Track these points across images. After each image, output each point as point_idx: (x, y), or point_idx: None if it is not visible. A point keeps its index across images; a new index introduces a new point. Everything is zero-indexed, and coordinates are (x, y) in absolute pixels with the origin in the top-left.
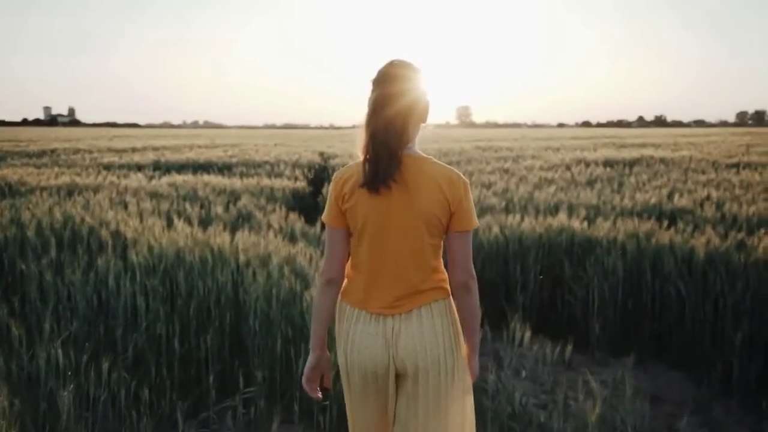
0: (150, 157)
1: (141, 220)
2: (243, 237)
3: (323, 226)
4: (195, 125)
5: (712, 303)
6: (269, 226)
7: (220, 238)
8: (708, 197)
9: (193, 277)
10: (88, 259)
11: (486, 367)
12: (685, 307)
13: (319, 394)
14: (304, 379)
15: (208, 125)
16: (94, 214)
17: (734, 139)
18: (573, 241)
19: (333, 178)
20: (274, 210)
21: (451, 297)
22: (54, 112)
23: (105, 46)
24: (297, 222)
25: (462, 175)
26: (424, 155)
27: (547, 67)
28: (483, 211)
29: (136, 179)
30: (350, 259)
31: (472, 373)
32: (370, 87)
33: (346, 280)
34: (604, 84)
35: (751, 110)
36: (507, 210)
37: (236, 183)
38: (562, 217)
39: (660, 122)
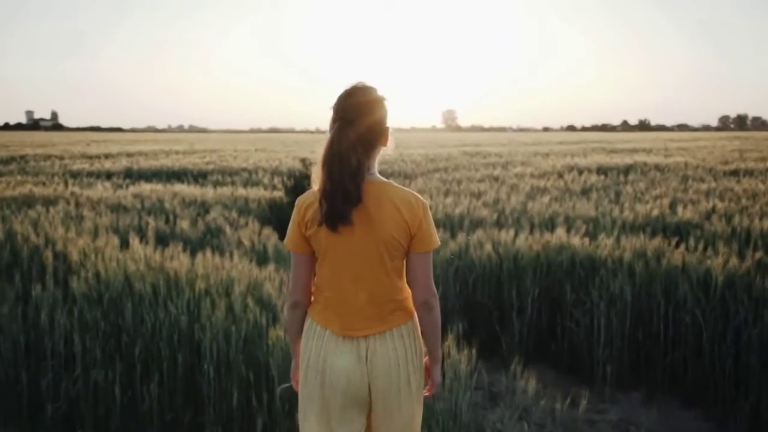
0: (123, 163)
1: (94, 239)
2: (204, 259)
3: None
4: (180, 129)
5: (733, 333)
6: (239, 243)
7: (177, 260)
8: (714, 209)
9: (142, 310)
10: (23, 288)
11: (478, 403)
12: (702, 337)
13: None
14: (293, 381)
15: (193, 129)
16: (42, 231)
17: (724, 144)
18: (574, 261)
19: (296, 202)
20: (246, 224)
21: (415, 316)
22: (37, 116)
23: (89, 50)
24: (271, 237)
25: (420, 197)
26: (384, 180)
27: (532, 71)
28: (474, 224)
29: (100, 189)
30: (316, 278)
31: (434, 384)
32: (330, 114)
33: (313, 302)
34: (589, 88)
35: (733, 114)
36: (499, 224)
37: (209, 193)
38: (561, 232)
39: (644, 126)
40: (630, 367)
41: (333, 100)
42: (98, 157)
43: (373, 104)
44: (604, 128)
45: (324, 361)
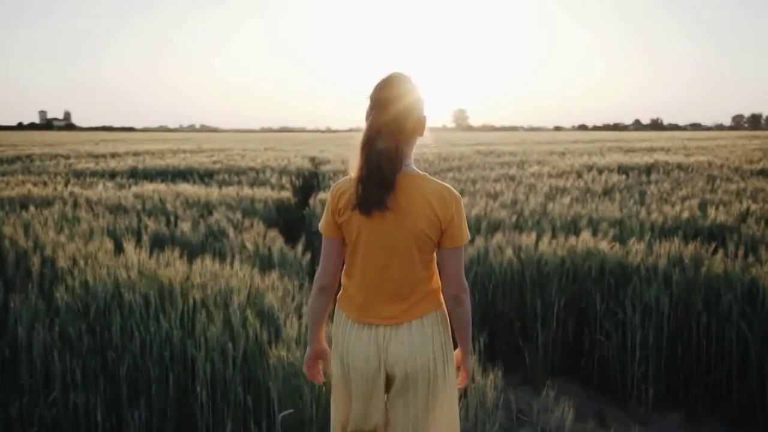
0: (129, 163)
1: (86, 243)
2: (202, 266)
3: (307, 246)
4: (191, 129)
5: None
6: (242, 247)
7: (172, 268)
8: (748, 211)
9: (132, 323)
10: (4, 298)
11: (501, 424)
12: (749, 353)
13: (321, 378)
14: (305, 367)
15: (204, 129)
16: (32, 234)
17: (744, 143)
18: (603, 268)
19: (331, 189)
20: (251, 225)
21: (442, 306)
22: (50, 116)
23: (102, 50)
24: (276, 241)
25: (454, 191)
26: (419, 172)
27: (543, 70)
28: (492, 227)
29: (101, 189)
30: (345, 267)
31: (465, 374)
32: (367, 103)
33: (342, 288)
34: (600, 87)
35: (747, 113)
36: (518, 226)
37: (213, 193)
38: (586, 236)
39: (656, 125)
40: (667, 385)
41: (345, 99)
42: (104, 156)
43: (409, 93)
44: (616, 127)
45: (345, 348)
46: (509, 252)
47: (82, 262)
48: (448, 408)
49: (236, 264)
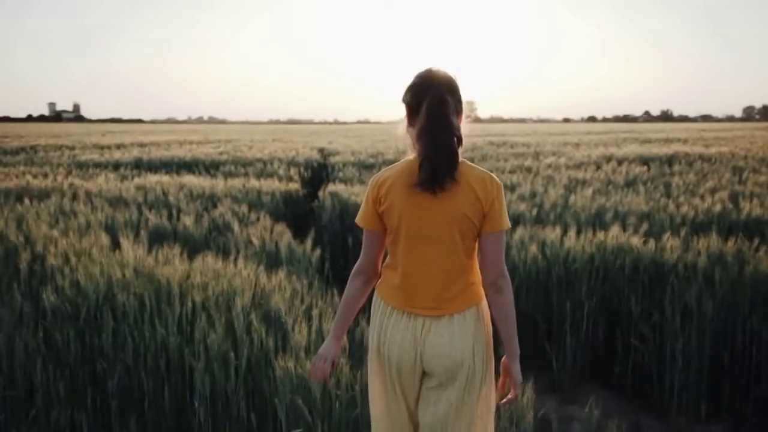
0: (134, 154)
1: (81, 238)
2: (203, 264)
3: (316, 241)
4: (199, 121)
5: None
6: (247, 243)
7: (171, 266)
8: None
9: (125, 328)
10: None
11: None
12: None
13: (326, 378)
14: (314, 366)
15: (212, 121)
16: (25, 228)
17: (763, 134)
18: (637, 266)
19: (370, 181)
20: (258, 219)
21: (484, 301)
22: (59, 108)
23: (110, 42)
24: (284, 235)
25: (495, 177)
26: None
27: (551, 61)
28: (512, 221)
29: (102, 181)
30: (388, 257)
31: (515, 383)
32: (408, 93)
33: (381, 278)
34: (609, 79)
35: (758, 105)
36: (540, 220)
37: (219, 185)
38: (616, 231)
39: (666, 117)
40: (710, 394)
41: (354, 91)
42: (109, 147)
43: (455, 80)
44: (626, 119)
45: (383, 336)
46: (533, 248)
47: (74, 260)
48: (483, 410)
49: (240, 261)
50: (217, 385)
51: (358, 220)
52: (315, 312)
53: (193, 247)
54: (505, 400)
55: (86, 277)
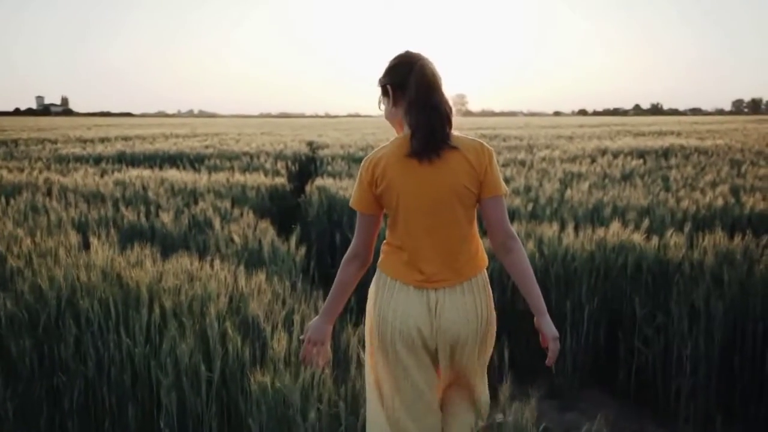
0: (117, 147)
1: (48, 237)
2: (177, 265)
3: (302, 238)
4: (189, 114)
5: None
6: (228, 241)
7: (141, 268)
8: None
9: (89, 338)
10: None
11: None
12: None
13: (321, 363)
14: (307, 345)
15: (202, 114)
16: None
17: (755, 127)
18: (639, 265)
19: (362, 163)
20: (241, 214)
21: (485, 271)
22: (48, 101)
23: (100, 35)
24: (267, 233)
25: (486, 144)
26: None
27: (542, 55)
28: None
29: (80, 176)
30: (388, 235)
31: (550, 337)
32: (389, 74)
33: (383, 255)
34: (600, 72)
35: (746, 98)
36: (535, 215)
37: (202, 179)
38: (617, 227)
39: (656, 110)
40: (720, 402)
41: (345, 84)
42: (92, 141)
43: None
44: (617, 112)
45: (394, 312)
46: (530, 245)
47: (37, 261)
48: (473, 368)
49: (217, 262)
50: (188, 402)
51: (354, 203)
52: (297, 317)
53: (170, 246)
54: (549, 358)
55: (48, 281)
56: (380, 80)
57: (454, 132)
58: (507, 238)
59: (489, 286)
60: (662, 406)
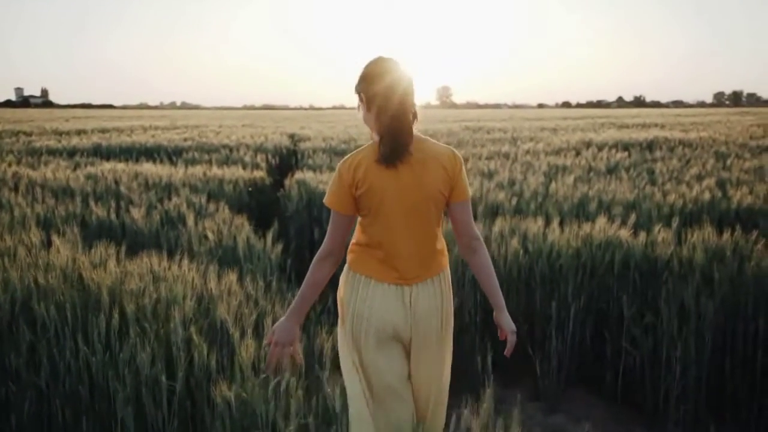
0: (93, 140)
1: (9, 235)
2: (142, 265)
3: (279, 234)
4: (172, 106)
5: None
6: (202, 238)
7: (102, 269)
8: None
9: (44, 345)
10: None
11: None
12: None
13: (289, 368)
14: (273, 348)
15: (185, 106)
16: None
17: (738, 119)
18: (627, 262)
19: (340, 166)
20: (217, 210)
21: (448, 268)
22: (27, 93)
23: (82, 27)
24: (243, 229)
25: (456, 152)
26: (421, 135)
27: (526, 48)
28: (490, 211)
29: (50, 169)
30: (361, 235)
31: (508, 331)
32: (362, 82)
33: (354, 255)
34: (583, 65)
35: (728, 91)
36: (520, 209)
37: (178, 173)
38: (602, 222)
39: (639, 103)
40: (710, 404)
41: (330, 77)
42: (68, 133)
43: (402, 69)
44: (600, 105)
45: (371, 309)
46: (514, 242)
47: None
48: (440, 358)
49: (185, 262)
50: (148, 415)
51: (331, 203)
52: (268, 320)
53: (140, 244)
54: (507, 349)
55: (2, 283)
56: (355, 87)
57: (426, 137)
58: (472, 239)
59: (450, 283)
60: (650, 408)
